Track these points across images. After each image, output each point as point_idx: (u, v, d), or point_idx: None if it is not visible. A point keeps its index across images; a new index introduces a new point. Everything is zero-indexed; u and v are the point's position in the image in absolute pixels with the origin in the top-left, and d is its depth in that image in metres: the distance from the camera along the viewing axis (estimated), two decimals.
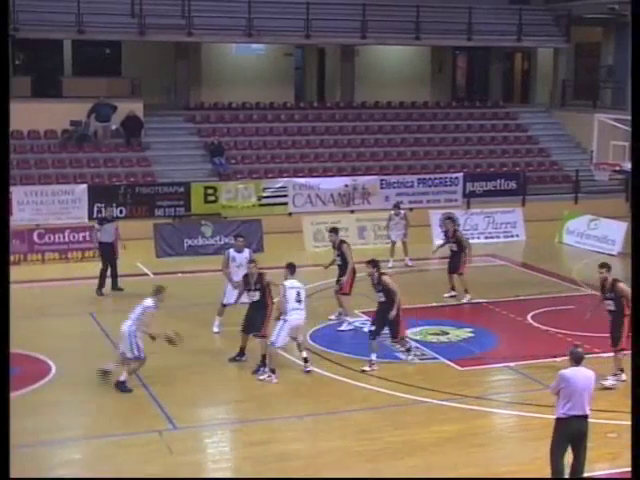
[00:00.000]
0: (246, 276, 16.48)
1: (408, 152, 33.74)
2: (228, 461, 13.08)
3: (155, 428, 13.71)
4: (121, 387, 15.06)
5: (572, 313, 19.02)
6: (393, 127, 34.92)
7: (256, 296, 16.16)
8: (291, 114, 34.70)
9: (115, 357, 15.46)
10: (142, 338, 15.09)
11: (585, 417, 11.24)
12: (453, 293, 21.23)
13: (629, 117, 22.44)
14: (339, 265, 19.27)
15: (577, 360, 11.32)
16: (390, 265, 23.54)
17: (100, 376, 15.27)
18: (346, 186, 29.86)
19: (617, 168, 21.47)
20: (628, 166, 21.28)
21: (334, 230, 19.81)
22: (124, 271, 22.52)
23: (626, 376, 15.31)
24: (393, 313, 16.10)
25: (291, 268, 16.21)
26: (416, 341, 17.91)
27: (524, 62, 42.13)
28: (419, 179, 30.95)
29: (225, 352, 17.17)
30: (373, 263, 16.54)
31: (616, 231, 27.22)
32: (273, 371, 15.65)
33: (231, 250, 18.60)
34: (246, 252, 18.39)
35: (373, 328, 16.49)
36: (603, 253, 26.55)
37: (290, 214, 28.99)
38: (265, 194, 29.08)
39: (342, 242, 19.44)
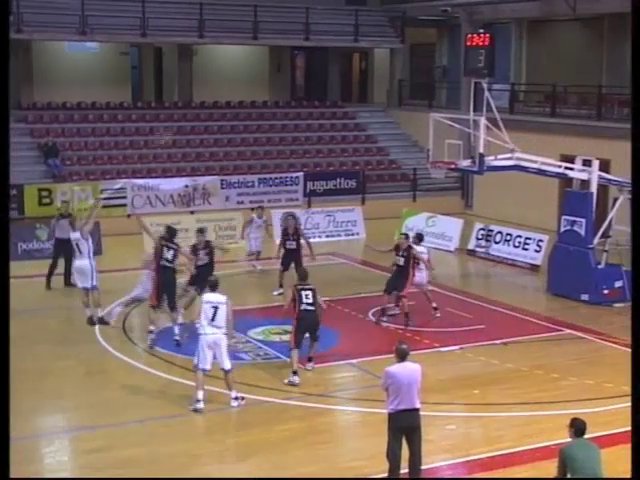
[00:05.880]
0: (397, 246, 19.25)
1: (248, 152, 33.65)
2: (65, 471, 12.62)
3: None
4: (103, 321, 17.18)
5: (411, 309, 19.27)
6: (232, 127, 34.76)
7: (401, 261, 18.91)
8: (128, 114, 34.06)
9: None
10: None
11: (415, 410, 11.32)
12: (281, 291, 21.16)
13: (463, 116, 23.05)
14: (207, 264, 18.85)
15: (402, 356, 11.41)
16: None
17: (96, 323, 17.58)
18: (186, 187, 29.49)
19: (452, 166, 21.81)
20: (463, 164, 21.69)
21: (201, 230, 19.65)
22: None
23: None
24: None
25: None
26: (259, 341, 17.86)
27: (361, 62, 42.74)
28: (260, 179, 30.89)
29: (60, 358, 16.67)
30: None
31: (453, 228, 27.88)
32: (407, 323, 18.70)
33: None
34: None
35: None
36: (441, 249, 27.14)
37: (129, 216, 28.42)
38: (103, 196, 28.39)
39: (209, 242, 19.60)
